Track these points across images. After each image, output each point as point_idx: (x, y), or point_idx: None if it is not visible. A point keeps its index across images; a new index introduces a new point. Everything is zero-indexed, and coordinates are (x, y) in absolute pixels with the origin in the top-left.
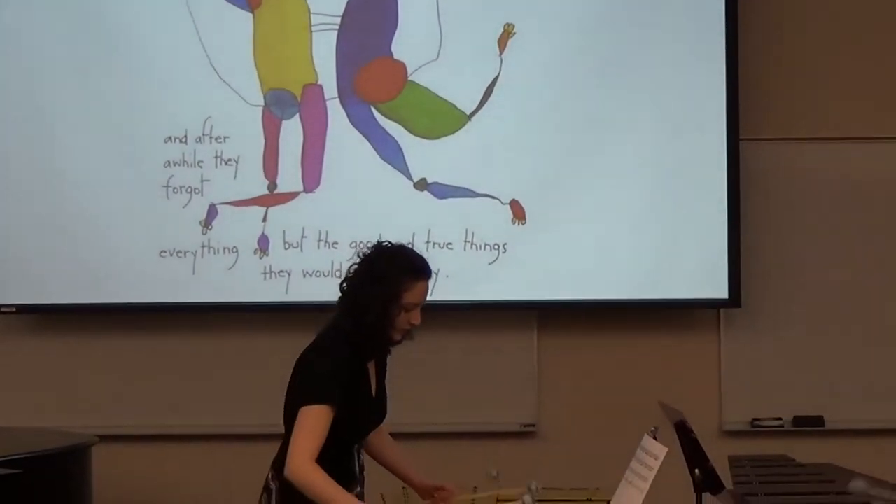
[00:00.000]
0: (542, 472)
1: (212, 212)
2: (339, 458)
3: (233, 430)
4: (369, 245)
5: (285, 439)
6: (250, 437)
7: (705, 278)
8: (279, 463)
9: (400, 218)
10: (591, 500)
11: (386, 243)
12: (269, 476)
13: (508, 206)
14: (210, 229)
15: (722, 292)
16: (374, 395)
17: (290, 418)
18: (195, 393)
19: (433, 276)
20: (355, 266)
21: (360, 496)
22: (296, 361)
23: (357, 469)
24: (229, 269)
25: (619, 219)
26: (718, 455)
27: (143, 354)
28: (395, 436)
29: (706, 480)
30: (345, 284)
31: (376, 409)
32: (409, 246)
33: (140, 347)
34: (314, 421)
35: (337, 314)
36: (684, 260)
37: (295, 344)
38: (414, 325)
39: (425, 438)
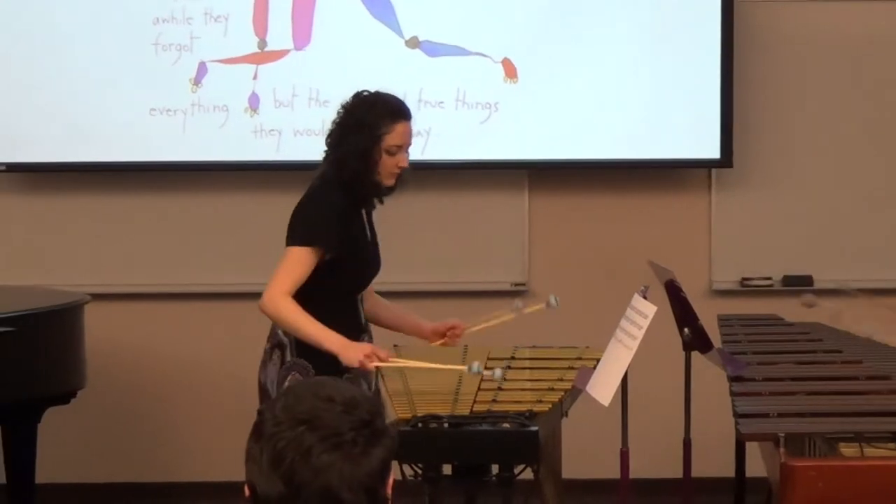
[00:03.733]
0: (532, 331)
1: (202, 69)
2: (344, 309)
3: (223, 289)
4: (347, 98)
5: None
6: (240, 296)
7: (697, 138)
8: None
9: (391, 76)
10: (581, 358)
11: (364, 92)
12: (280, 332)
13: (500, 65)
14: (200, 87)
15: (714, 152)
16: (370, 242)
17: None
18: (185, 251)
19: (426, 136)
20: (336, 119)
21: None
22: (291, 213)
23: (362, 320)
24: (220, 127)
25: (611, 77)
26: (708, 314)
27: (134, 213)
28: (385, 295)
29: (695, 339)
30: (329, 138)
31: (375, 257)
32: (388, 92)
33: (130, 206)
34: (296, 260)
35: (323, 167)
36: (677, 119)
37: (285, 202)
38: (402, 168)
39: (416, 297)
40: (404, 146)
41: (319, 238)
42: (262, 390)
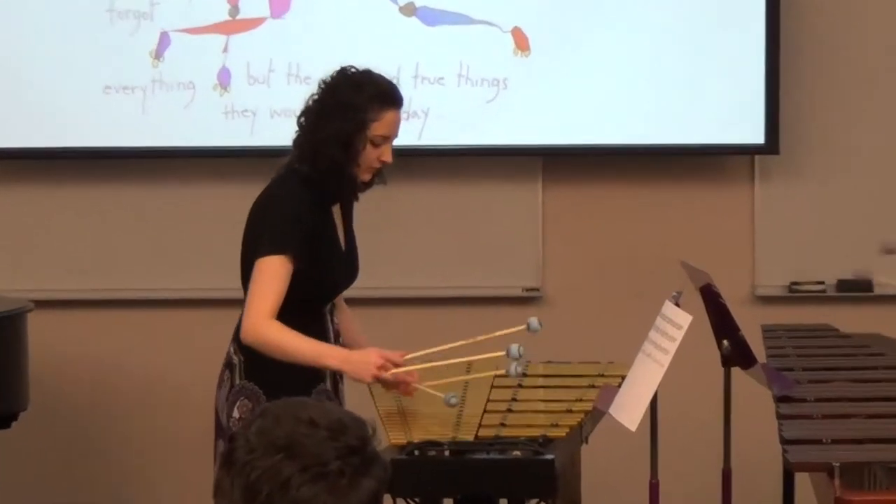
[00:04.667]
0: (547, 344)
1: (164, 40)
2: (309, 323)
3: (189, 295)
4: (330, 74)
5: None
6: (208, 303)
7: (738, 120)
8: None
9: (383, 48)
10: (603, 375)
11: (350, 68)
12: (231, 350)
13: (510, 35)
14: (162, 61)
15: (757, 136)
16: (343, 247)
17: (247, 278)
18: (145, 251)
19: (424, 117)
20: (315, 96)
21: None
22: (249, 212)
23: (331, 335)
24: (185, 107)
25: (638, 50)
26: (750, 324)
27: (85, 207)
28: (377, 303)
29: (736, 353)
30: (303, 119)
31: (348, 264)
32: (379, 73)
33: (80, 199)
34: (271, 274)
35: (292, 153)
36: (714, 99)
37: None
38: (385, 163)
39: (413, 305)
40: (391, 137)
41: (292, 243)
42: (216, 416)
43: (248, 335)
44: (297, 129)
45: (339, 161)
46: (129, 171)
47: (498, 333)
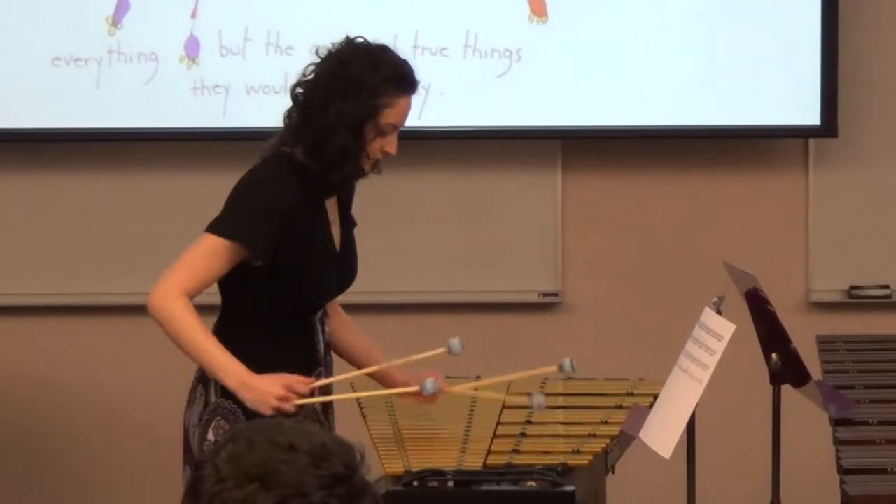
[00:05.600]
0: (567, 355)
1: (122, 5)
2: (296, 333)
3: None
4: (335, 43)
5: (222, 311)
6: None
7: (790, 98)
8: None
9: (377, 14)
10: (632, 394)
11: (360, 40)
12: None
13: None
14: (120, 28)
15: (812, 117)
16: (337, 246)
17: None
18: (100, 249)
19: (424, 94)
20: (314, 67)
21: (328, 389)
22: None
23: (321, 348)
24: (146, 82)
25: (674, 17)
26: (804, 334)
27: (29, 197)
28: (370, 308)
29: (786, 368)
30: (299, 91)
31: (342, 266)
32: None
33: (24, 188)
34: (205, 251)
35: (284, 133)
36: (762, 73)
37: (234, 182)
38: (388, 155)
39: (415, 312)
40: (400, 126)
41: (250, 235)
42: (185, 438)
43: (154, 301)
44: (292, 105)
45: (350, 151)
46: (80, 157)
47: (414, 357)
